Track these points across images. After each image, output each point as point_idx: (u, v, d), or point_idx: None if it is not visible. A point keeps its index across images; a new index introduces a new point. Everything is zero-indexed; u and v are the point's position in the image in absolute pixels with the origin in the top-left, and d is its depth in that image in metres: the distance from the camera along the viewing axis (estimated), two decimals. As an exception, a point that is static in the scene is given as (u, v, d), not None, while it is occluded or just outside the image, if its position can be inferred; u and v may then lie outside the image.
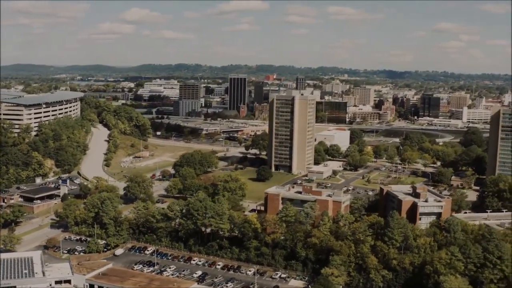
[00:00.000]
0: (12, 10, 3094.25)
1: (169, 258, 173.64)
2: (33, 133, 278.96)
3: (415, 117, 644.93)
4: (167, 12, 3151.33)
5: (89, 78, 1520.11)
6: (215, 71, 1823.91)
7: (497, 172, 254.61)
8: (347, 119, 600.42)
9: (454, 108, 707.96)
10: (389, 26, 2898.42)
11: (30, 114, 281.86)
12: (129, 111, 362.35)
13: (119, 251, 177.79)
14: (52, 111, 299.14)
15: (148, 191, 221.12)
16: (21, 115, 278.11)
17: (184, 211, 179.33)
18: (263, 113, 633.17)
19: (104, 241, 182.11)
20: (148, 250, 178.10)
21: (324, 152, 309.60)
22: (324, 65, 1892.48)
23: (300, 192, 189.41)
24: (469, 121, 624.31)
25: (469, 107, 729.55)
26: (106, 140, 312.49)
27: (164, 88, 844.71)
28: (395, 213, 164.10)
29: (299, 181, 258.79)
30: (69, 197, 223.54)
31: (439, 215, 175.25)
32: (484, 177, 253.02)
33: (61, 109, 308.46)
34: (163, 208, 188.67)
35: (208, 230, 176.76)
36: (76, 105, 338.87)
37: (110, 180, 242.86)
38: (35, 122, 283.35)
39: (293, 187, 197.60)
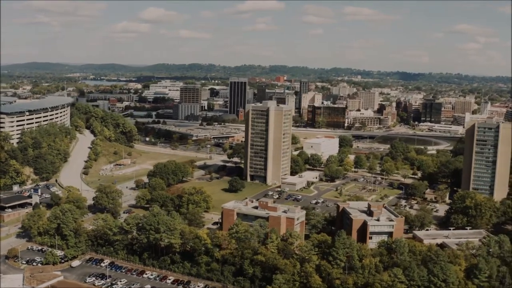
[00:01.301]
0: (32, 9, 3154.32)
1: (123, 271, 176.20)
2: (15, 141, 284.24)
3: (416, 123, 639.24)
4: (183, 12, 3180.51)
5: (101, 78, 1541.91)
6: (228, 71, 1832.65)
7: (472, 186, 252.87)
8: (346, 124, 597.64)
9: (460, 113, 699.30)
10: (405, 27, 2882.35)
11: (12, 122, 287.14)
12: (116, 117, 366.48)
13: (75, 263, 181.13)
14: (36, 118, 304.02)
15: (116, 202, 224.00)
16: (3, 123, 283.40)
17: (140, 224, 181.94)
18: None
19: (62, 252, 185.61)
20: (104, 262, 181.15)
21: (303, 162, 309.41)
22: (338, 66, 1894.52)
23: (256, 207, 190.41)
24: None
25: (474, 112, 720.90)
26: (89, 147, 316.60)
27: (169, 90, 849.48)
28: (342, 232, 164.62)
29: (270, 193, 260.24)
30: (41, 206, 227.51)
31: (390, 234, 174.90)
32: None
33: (46, 116, 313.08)
34: (125, 221, 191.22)
35: (163, 244, 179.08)
36: (65, 111, 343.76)
37: (84, 189, 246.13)
38: (17, 130, 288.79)
39: (251, 202, 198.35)
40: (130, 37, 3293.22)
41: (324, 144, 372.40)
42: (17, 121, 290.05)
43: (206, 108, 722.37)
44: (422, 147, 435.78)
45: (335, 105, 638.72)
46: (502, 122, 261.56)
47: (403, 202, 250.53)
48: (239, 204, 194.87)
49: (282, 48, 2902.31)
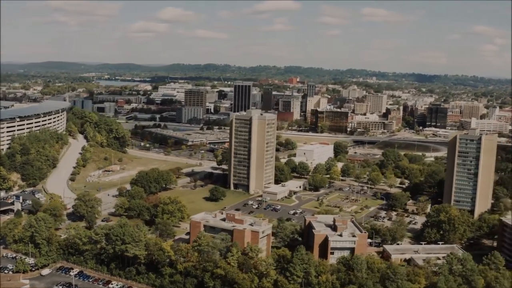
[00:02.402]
0: (49, 8, 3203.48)
1: (90, 280, 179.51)
2: (6, 147, 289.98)
3: (421, 128, 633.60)
4: (201, 11, 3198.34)
5: (116, 78, 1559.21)
6: (243, 71, 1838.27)
7: (453, 198, 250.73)
8: (349, 129, 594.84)
9: (468, 117, 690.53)
10: (422, 28, 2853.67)
11: (2, 128, 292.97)
12: (109, 122, 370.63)
13: (45, 271, 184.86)
14: (28, 124, 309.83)
15: (95, 210, 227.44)
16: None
17: (108, 235, 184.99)
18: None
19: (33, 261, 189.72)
20: (73, 272, 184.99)
21: (290, 170, 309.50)
22: (353, 67, 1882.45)
23: (225, 219, 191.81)
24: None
25: (483, 117, 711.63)
26: (80, 153, 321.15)
27: (178, 92, 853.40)
28: (301, 248, 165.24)
29: (250, 202, 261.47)
30: (23, 213, 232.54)
31: (352, 250, 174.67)
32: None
33: (38, 121, 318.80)
34: (94, 230, 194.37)
35: (129, 254, 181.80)
36: (59, 116, 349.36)
37: (67, 196, 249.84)
38: (7, 136, 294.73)
39: (221, 213, 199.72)
40: (147, 36, 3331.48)
41: (317, 151, 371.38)
42: (7, 127, 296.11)
43: (212, 111, 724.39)
44: (421, 153, 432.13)
45: (338, 110, 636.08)
46: (486, 134, 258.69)
47: (383, 213, 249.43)
48: (208, 216, 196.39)
49: (298, 48, 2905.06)
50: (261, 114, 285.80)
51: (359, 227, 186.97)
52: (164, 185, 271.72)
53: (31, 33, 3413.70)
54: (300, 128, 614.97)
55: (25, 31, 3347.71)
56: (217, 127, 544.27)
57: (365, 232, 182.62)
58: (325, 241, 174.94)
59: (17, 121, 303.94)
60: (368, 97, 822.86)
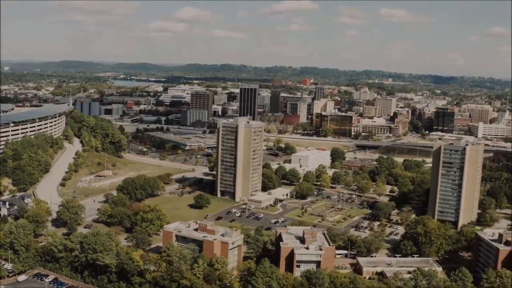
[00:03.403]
0: (68, 8, 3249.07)
1: (64, 287, 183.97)
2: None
3: (427, 132, 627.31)
4: (219, 11, 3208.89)
5: (132, 77, 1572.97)
6: (259, 72, 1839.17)
7: (437, 209, 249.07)
8: (353, 133, 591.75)
9: (477, 121, 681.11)
10: (440, 29, 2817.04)
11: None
12: (105, 127, 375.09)
13: (22, 278, 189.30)
14: (22, 129, 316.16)
15: (78, 217, 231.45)
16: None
17: (82, 243, 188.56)
18: (274, 124, 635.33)
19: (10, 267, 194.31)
20: (48, 278, 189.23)
21: (281, 177, 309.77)
22: (370, 68, 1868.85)
23: (197, 229, 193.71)
24: (485, 138, 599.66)
25: (492, 121, 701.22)
26: (74, 158, 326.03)
27: (187, 93, 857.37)
28: (265, 260, 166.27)
29: (234, 210, 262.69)
30: (9, 218, 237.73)
31: (319, 263, 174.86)
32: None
33: (33, 126, 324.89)
34: (69, 238, 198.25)
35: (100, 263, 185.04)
36: (57, 120, 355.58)
37: (53, 202, 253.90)
38: (2, 141, 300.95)
39: (196, 223, 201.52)
40: (165, 36, 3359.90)
41: (312, 157, 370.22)
42: (1, 132, 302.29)
43: (220, 113, 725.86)
44: (421, 159, 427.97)
45: (343, 113, 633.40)
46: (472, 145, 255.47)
47: (365, 223, 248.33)
48: (182, 226, 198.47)
49: (315, 49, 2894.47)
50: (248, 122, 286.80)
51: (328, 240, 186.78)
52: (150, 192, 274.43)
53: (49, 32, 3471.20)
54: (305, 132, 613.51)
55: (43, 30, 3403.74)
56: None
57: (332, 246, 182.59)
58: (291, 254, 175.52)
59: (11, 126, 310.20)
60: (377, 100, 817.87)
